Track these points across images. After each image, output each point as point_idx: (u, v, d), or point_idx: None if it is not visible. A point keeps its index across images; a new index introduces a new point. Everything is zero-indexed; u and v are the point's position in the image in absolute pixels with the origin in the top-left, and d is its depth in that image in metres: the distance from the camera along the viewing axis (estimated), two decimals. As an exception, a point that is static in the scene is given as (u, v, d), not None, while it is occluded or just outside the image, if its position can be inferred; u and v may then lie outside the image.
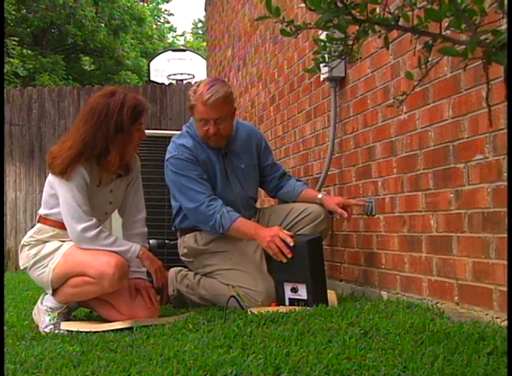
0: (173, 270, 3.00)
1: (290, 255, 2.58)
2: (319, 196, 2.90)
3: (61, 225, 2.50)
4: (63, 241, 2.52)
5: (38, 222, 2.60)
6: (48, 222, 2.55)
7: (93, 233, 2.43)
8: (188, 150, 2.84)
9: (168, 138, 3.72)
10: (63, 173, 2.43)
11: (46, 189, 2.57)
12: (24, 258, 2.56)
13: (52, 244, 2.51)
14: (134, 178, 2.68)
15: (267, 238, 2.62)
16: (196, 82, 2.94)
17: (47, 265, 2.49)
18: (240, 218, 2.73)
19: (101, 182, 2.54)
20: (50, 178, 2.55)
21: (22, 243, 2.58)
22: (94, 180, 2.51)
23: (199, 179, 2.79)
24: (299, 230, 2.83)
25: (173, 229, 3.06)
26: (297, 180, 3.08)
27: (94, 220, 2.45)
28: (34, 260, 2.52)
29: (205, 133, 2.81)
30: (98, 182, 2.53)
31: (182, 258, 2.99)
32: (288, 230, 2.75)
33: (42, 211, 2.58)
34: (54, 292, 2.52)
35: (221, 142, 2.86)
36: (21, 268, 2.62)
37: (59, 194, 2.47)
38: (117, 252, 2.44)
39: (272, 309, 2.49)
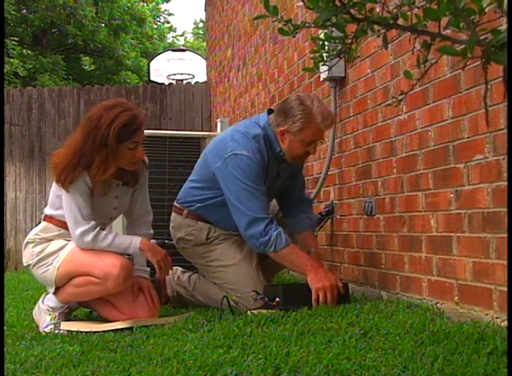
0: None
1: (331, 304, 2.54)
2: (312, 249, 2.82)
3: (66, 226, 2.51)
4: (68, 240, 2.53)
5: (44, 220, 2.61)
6: (54, 222, 2.56)
7: (90, 236, 2.44)
8: (262, 158, 2.66)
9: (168, 138, 3.72)
10: (63, 183, 2.43)
11: (53, 189, 2.57)
12: (28, 256, 2.56)
13: (57, 243, 2.52)
14: (141, 185, 2.66)
15: (323, 282, 2.55)
16: (304, 98, 2.69)
17: (51, 264, 2.50)
18: (293, 245, 2.63)
19: (93, 193, 2.49)
20: None
21: (26, 240, 2.59)
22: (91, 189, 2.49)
23: (265, 195, 2.66)
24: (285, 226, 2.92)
25: (178, 205, 2.90)
26: (309, 217, 2.93)
27: (91, 223, 2.45)
28: (38, 258, 2.52)
29: (304, 153, 2.72)
30: (92, 193, 2.49)
31: (179, 241, 2.89)
32: (281, 220, 2.85)
33: (48, 211, 2.59)
34: (56, 291, 2.52)
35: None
36: (24, 265, 2.62)
37: (63, 197, 2.48)
38: (119, 251, 2.44)
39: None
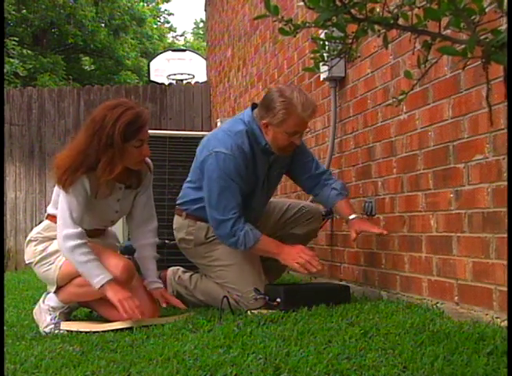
0: (171, 270, 2.99)
1: (319, 267, 2.58)
2: (350, 217, 2.79)
3: None
4: None
5: (46, 219, 2.60)
6: (56, 220, 2.55)
7: (72, 243, 2.37)
8: (243, 155, 2.66)
9: (168, 138, 3.72)
10: (64, 184, 2.42)
11: (56, 188, 2.57)
12: (30, 254, 2.56)
13: None
14: (143, 188, 2.64)
15: (293, 254, 2.61)
16: (284, 89, 2.67)
17: (53, 263, 2.50)
18: (263, 237, 2.66)
19: (97, 195, 2.48)
20: None
21: (28, 238, 2.59)
22: (93, 192, 2.48)
23: (237, 193, 2.65)
24: (294, 227, 2.99)
25: (178, 207, 2.92)
26: (333, 188, 2.87)
27: (79, 229, 2.40)
28: (40, 256, 2.52)
29: (289, 144, 2.68)
30: (95, 195, 2.47)
31: (181, 242, 2.91)
32: (284, 226, 2.97)
33: (51, 211, 2.58)
34: (57, 290, 2.52)
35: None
36: (26, 262, 2.62)
37: (61, 196, 2.48)
38: (83, 274, 2.39)
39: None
